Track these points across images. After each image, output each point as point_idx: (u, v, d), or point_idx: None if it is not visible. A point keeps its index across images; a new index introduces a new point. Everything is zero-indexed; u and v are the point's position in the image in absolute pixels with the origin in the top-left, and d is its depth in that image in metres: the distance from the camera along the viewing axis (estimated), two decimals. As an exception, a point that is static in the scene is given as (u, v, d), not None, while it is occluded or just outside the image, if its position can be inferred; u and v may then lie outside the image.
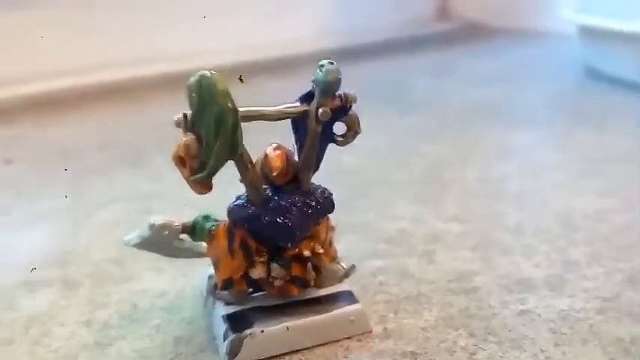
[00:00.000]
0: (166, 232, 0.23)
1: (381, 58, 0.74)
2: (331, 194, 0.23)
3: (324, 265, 0.23)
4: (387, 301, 0.26)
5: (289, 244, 0.22)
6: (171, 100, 0.56)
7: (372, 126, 0.49)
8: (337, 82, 0.21)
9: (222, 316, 0.23)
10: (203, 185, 0.21)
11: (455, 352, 0.23)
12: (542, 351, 0.22)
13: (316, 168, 0.23)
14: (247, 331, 0.22)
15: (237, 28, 0.73)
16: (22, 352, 0.23)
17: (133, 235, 0.24)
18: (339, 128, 0.23)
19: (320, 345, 0.23)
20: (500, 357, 0.22)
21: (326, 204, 0.23)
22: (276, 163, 0.21)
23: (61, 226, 0.34)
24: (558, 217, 0.33)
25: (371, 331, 0.24)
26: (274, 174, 0.21)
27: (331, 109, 0.21)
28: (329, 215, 0.24)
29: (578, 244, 0.30)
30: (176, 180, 0.41)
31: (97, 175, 0.41)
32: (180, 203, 0.36)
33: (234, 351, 0.22)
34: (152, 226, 0.23)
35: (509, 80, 0.65)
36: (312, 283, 0.24)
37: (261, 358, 0.22)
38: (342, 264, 0.24)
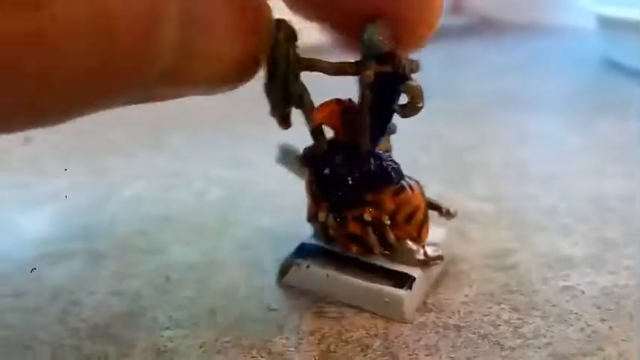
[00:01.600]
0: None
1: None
2: (392, 165, 0.23)
3: (392, 239, 0.23)
4: (424, 277, 0.25)
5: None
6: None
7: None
8: (377, 44, 0.19)
9: (300, 244, 0.25)
10: (280, 121, 0.21)
11: (499, 325, 0.22)
12: (589, 325, 0.22)
13: (380, 133, 0.22)
14: (297, 260, 0.24)
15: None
16: (51, 320, 0.23)
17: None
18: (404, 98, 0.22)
19: (360, 313, 0.22)
20: (546, 330, 0.22)
21: (377, 175, 0.22)
22: (317, 114, 0.21)
23: (83, 202, 0.33)
24: (590, 198, 0.33)
25: (406, 322, 0.22)
26: (313, 124, 0.21)
27: (381, 74, 0.20)
28: (414, 192, 0.23)
29: (614, 224, 0.29)
30: (196, 159, 0.40)
31: (115, 155, 0.40)
32: (203, 181, 0.36)
33: (282, 272, 0.24)
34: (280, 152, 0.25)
35: (526, 71, 0.65)
36: (378, 251, 0.23)
37: (304, 288, 0.24)
38: (429, 249, 0.23)
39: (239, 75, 0.18)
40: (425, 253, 0.23)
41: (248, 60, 0.17)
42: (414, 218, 0.23)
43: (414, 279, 0.23)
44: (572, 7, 0.69)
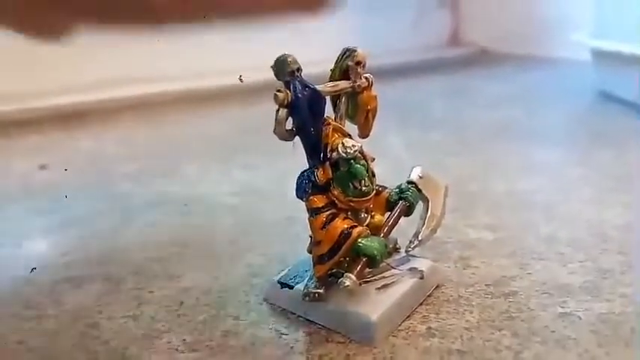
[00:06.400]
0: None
1: (399, 80, 0.76)
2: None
3: None
4: (428, 303, 0.26)
5: None
6: (190, 115, 0.58)
7: (395, 141, 0.50)
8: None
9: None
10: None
11: (500, 350, 0.23)
12: (587, 351, 0.23)
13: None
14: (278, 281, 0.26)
15: (257, 50, 0.75)
16: (70, 344, 0.24)
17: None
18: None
19: (363, 341, 0.23)
20: (546, 356, 0.23)
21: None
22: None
23: (99, 228, 0.34)
24: (588, 227, 0.34)
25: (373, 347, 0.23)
26: None
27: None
28: None
29: (612, 253, 0.31)
30: (209, 188, 0.42)
31: (130, 182, 0.42)
32: (215, 208, 0.37)
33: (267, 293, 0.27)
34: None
35: (524, 103, 0.67)
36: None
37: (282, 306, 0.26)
38: (351, 278, 0.23)
39: None
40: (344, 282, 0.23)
41: None
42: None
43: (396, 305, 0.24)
44: (567, 41, 0.71)
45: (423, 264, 0.27)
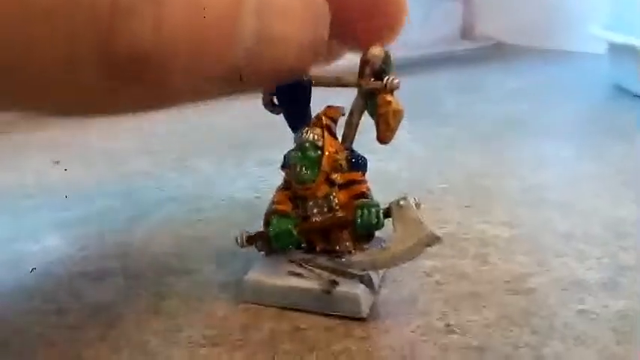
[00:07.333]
0: None
1: (411, 74, 0.76)
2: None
3: None
4: (446, 299, 0.26)
5: None
6: (205, 109, 0.57)
7: (408, 136, 0.50)
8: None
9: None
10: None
11: (520, 347, 0.23)
12: (606, 348, 0.23)
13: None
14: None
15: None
16: (92, 338, 0.24)
17: None
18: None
19: (385, 333, 0.24)
20: (566, 353, 0.23)
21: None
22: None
23: (115, 223, 0.34)
24: (605, 224, 0.34)
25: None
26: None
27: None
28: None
29: (628, 249, 0.30)
30: (222, 183, 0.42)
31: (144, 177, 0.42)
32: (230, 203, 0.37)
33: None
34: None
35: (537, 96, 0.66)
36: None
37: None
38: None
39: (310, 57, 0.21)
40: None
41: (317, 43, 0.21)
42: None
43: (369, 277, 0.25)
44: (583, 34, 0.70)
45: (350, 287, 0.25)
